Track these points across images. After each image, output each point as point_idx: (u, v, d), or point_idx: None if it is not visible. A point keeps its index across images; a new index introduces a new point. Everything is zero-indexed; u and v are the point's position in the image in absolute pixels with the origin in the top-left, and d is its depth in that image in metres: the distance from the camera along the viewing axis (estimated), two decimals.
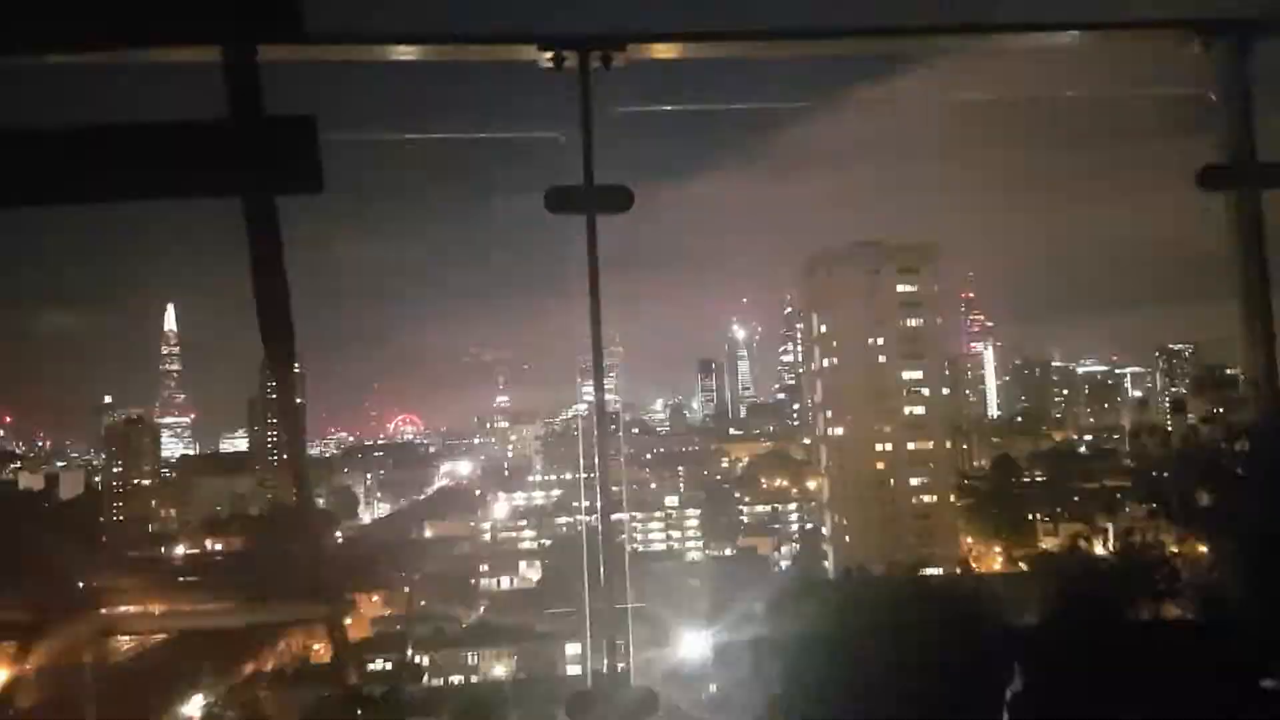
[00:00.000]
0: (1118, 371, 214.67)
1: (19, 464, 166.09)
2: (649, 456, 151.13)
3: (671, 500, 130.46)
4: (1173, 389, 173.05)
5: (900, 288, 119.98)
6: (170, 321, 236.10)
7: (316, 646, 64.76)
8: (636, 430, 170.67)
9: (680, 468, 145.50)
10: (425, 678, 57.31)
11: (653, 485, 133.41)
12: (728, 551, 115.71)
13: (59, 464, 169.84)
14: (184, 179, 3.47)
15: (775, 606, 9.46)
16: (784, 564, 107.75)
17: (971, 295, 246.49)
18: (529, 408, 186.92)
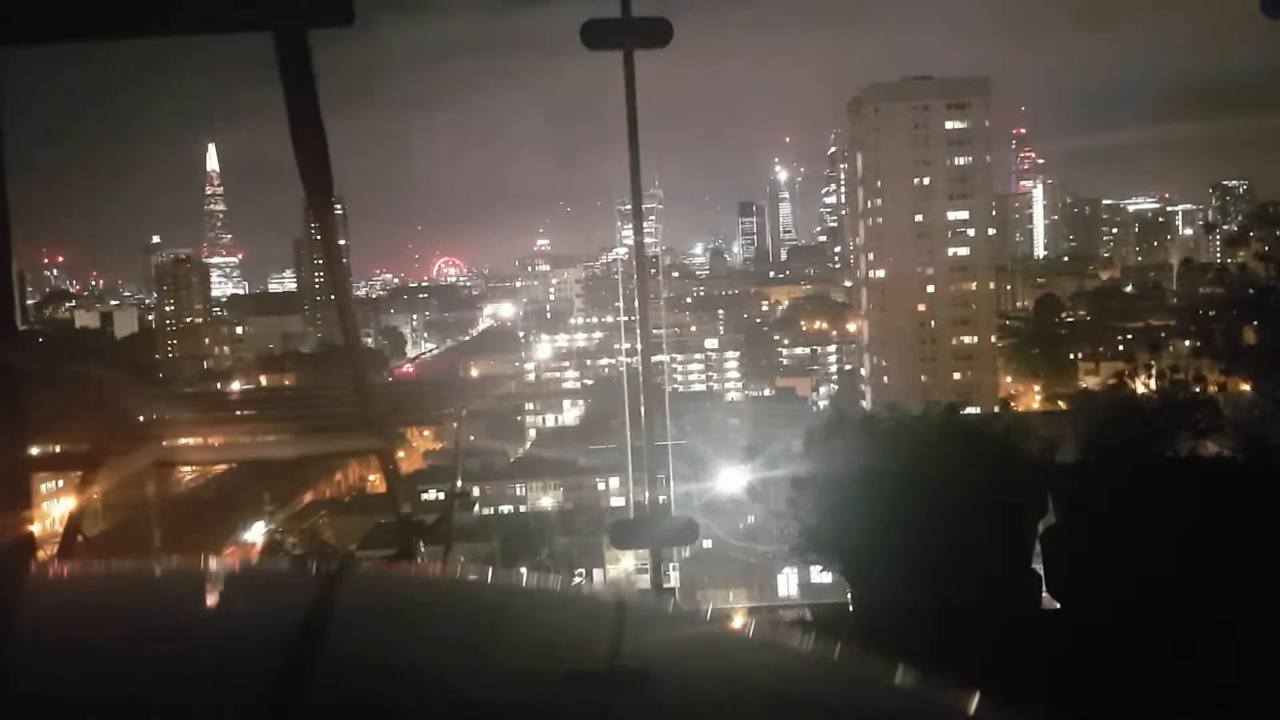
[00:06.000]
0: (1169, 209, 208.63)
1: (74, 302, 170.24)
2: (689, 300, 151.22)
3: (711, 343, 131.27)
4: (1224, 226, 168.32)
5: (949, 124, 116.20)
6: (212, 161, 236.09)
7: (371, 477, 67.39)
8: (676, 274, 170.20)
9: (720, 311, 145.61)
10: (476, 507, 59.57)
11: (693, 328, 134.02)
12: (766, 392, 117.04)
13: (112, 303, 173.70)
14: (217, 13, 3.44)
15: (810, 443, 9.63)
16: (822, 404, 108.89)
17: (1023, 131, 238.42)
18: (569, 251, 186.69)
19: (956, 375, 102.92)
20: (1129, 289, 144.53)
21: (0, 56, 3.83)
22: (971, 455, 8.77)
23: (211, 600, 2.31)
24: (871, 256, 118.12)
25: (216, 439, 8.12)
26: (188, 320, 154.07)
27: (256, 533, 58.72)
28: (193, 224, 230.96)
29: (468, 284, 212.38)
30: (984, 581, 8.03)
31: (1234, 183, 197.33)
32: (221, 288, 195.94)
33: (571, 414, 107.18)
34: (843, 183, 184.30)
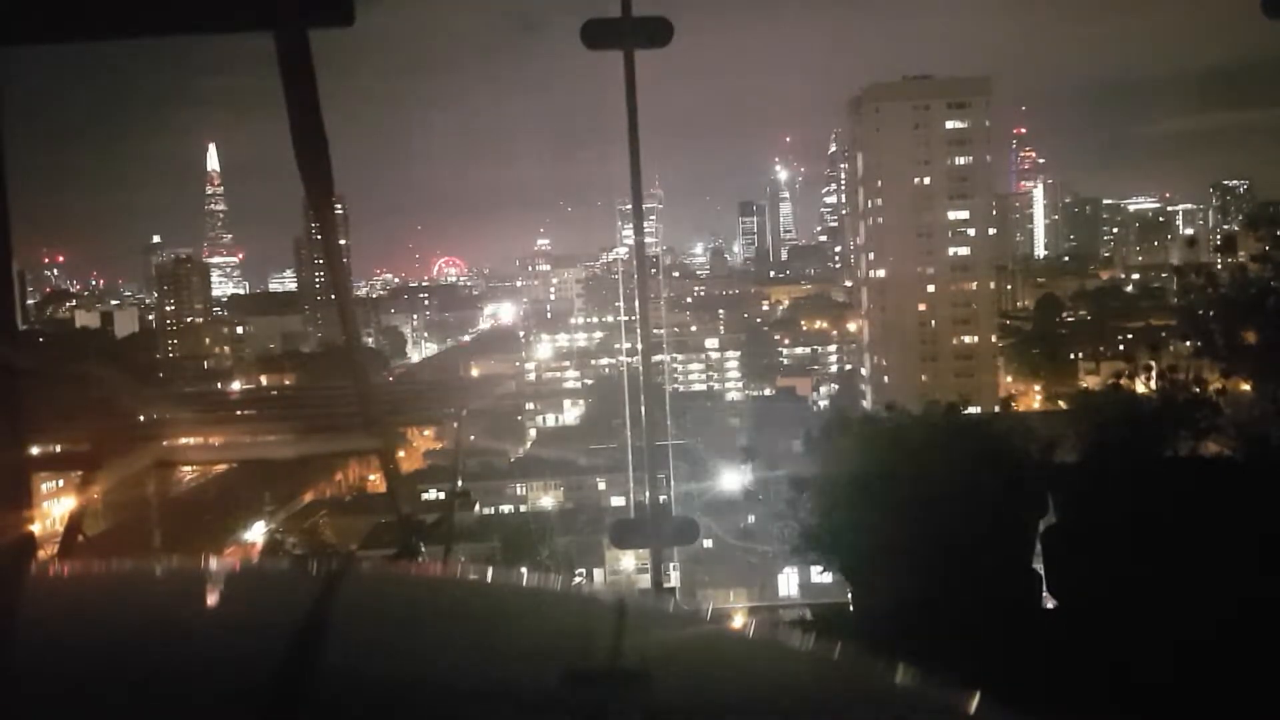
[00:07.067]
0: (1169, 209, 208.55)
1: (74, 302, 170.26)
2: (689, 300, 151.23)
3: (711, 342, 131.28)
4: (1225, 226, 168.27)
5: (949, 124, 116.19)
6: (212, 161, 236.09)
7: (372, 477, 67.37)
8: (677, 274, 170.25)
9: (720, 311, 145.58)
10: (476, 507, 59.56)
11: (693, 328, 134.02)
12: (767, 391, 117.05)
13: (113, 302, 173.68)
14: (218, 13, 3.45)
15: (811, 443, 9.63)
16: (822, 404, 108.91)
17: (1023, 130, 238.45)
18: (570, 251, 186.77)
19: (956, 375, 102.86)
20: (1129, 289, 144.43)
21: (0, 56, 3.83)
22: (971, 455, 8.77)
23: (211, 600, 2.31)
24: (872, 256, 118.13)
25: (216, 439, 8.12)
26: (188, 320, 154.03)
27: (256, 533, 58.71)
28: (193, 224, 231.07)
29: (468, 284, 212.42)
30: (984, 581, 8.03)
31: (1234, 182, 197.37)
32: (221, 288, 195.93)
33: (572, 414, 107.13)
34: (843, 183, 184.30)
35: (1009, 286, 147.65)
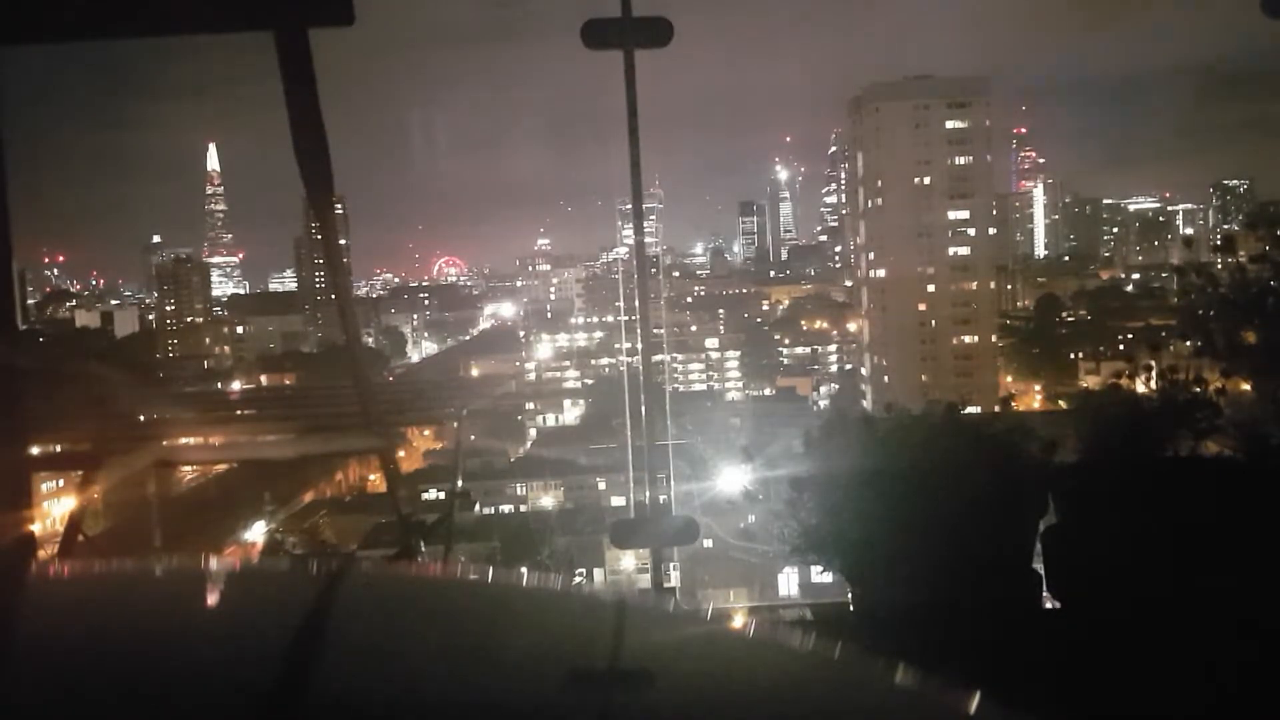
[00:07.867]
0: (1170, 208, 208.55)
1: (74, 302, 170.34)
2: (689, 300, 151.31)
3: (711, 342, 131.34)
4: (1225, 226, 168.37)
5: (949, 124, 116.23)
6: (213, 161, 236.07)
7: (372, 477, 67.41)
8: (677, 274, 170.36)
9: (720, 310, 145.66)
10: (476, 507, 59.55)
11: (693, 328, 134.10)
12: (767, 391, 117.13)
13: (113, 302, 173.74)
14: (217, 13, 3.44)
15: (810, 443, 9.62)
16: (822, 403, 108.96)
17: (1024, 130, 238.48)
18: (570, 251, 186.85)
19: (956, 375, 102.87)
20: (1129, 289, 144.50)
21: (0, 56, 3.83)
22: (971, 455, 8.76)
23: (211, 600, 2.31)
24: (872, 256, 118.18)
25: (217, 439, 8.13)
26: (188, 320, 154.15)
27: (256, 533, 58.73)
28: (193, 224, 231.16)
29: (468, 283, 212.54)
30: (984, 581, 8.02)
31: (1234, 182, 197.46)
32: (222, 287, 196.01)
33: (572, 414, 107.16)
34: (843, 183, 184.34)
35: (1009, 286, 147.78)
